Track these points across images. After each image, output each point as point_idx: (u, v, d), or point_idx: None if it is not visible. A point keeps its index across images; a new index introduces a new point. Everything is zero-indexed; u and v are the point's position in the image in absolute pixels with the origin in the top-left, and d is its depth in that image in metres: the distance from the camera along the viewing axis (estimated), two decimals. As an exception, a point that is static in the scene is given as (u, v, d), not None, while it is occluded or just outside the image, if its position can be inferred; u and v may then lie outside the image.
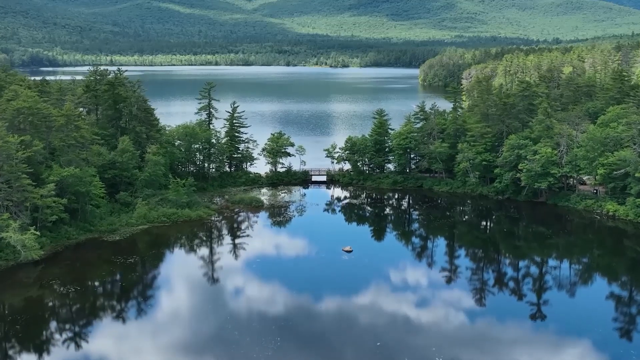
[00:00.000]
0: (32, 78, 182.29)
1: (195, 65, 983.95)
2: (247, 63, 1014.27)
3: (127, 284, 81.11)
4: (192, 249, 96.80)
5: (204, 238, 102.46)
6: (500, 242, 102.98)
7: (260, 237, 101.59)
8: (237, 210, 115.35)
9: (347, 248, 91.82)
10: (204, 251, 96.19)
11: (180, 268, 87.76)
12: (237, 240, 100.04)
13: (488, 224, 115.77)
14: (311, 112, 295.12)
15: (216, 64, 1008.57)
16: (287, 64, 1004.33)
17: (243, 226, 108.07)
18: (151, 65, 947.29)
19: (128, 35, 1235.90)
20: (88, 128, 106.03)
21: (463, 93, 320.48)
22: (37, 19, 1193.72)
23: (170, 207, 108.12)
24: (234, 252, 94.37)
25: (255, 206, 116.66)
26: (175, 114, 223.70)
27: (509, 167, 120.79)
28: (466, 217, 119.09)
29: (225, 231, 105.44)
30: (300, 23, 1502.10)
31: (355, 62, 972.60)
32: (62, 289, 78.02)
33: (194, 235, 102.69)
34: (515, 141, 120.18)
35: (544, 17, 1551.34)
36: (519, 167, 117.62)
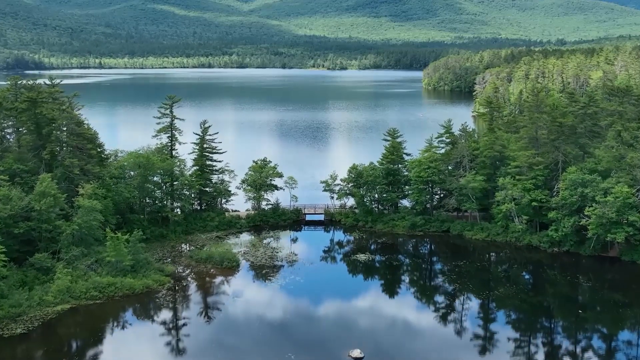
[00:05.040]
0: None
1: (187, 67, 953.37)
2: (241, 65, 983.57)
3: None
4: (124, 350, 65.38)
5: (145, 329, 70.45)
6: (555, 309, 77.38)
7: (228, 325, 70.47)
8: (202, 273, 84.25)
9: (356, 354, 60.99)
10: (142, 354, 64.77)
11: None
12: (192, 334, 68.60)
13: (539, 284, 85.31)
14: (307, 122, 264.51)
15: (209, 66, 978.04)
16: (283, 66, 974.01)
17: (206, 304, 76.36)
18: (142, 68, 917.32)
19: (120, 37, 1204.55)
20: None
21: (477, 100, 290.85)
22: (27, 20, 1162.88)
23: (107, 274, 77.40)
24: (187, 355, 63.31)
25: (228, 267, 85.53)
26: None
27: (568, 210, 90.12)
28: (510, 274, 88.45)
29: (178, 315, 73.69)
30: (298, 24, 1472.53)
31: (354, 64, 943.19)
32: None
33: (132, 323, 71.35)
34: (578, 176, 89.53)
35: (545, 17, 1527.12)
36: (585, 213, 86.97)
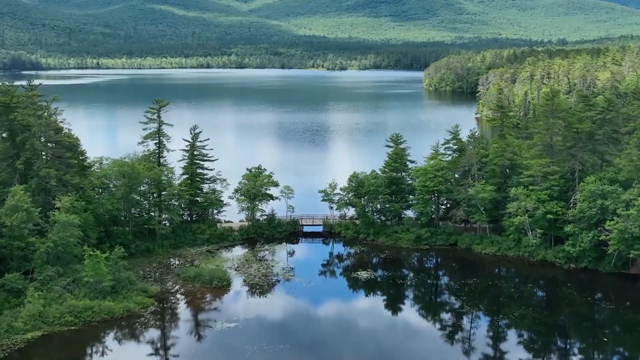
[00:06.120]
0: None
1: (186, 68, 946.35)
2: (240, 66, 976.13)
3: None
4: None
5: (125, 359, 63.68)
6: (571, 330, 71.89)
7: (216, 354, 63.56)
8: (189, 293, 77.34)
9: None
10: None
11: None
12: (178, 364, 62.05)
13: (554, 303, 78.60)
14: (306, 124, 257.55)
15: (208, 66, 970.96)
16: (282, 67, 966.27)
17: (191, 330, 69.26)
18: (140, 68, 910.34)
19: (119, 37, 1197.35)
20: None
21: (480, 102, 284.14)
22: (25, 21, 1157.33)
23: (85, 296, 70.70)
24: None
25: (218, 287, 78.66)
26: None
27: (587, 223, 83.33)
28: (522, 292, 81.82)
29: (160, 341, 66.63)
30: (297, 24, 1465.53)
31: (354, 64, 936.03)
32: None
33: (112, 350, 64.38)
34: (597, 187, 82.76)
35: (545, 17, 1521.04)
36: (606, 227, 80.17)
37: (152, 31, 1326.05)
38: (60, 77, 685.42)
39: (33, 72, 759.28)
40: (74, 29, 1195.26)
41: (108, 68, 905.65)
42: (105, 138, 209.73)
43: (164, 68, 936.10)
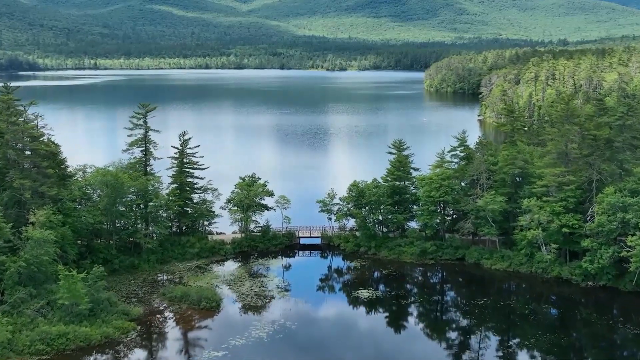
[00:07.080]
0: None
1: (184, 68, 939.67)
2: (239, 66, 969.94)
3: None
4: None
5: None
6: (589, 353, 67.61)
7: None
8: (175, 316, 71.06)
9: None
10: None
11: None
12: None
13: (570, 324, 73.43)
14: (305, 126, 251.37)
15: (207, 67, 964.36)
16: (282, 67, 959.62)
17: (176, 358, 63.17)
18: (138, 69, 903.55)
19: (117, 38, 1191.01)
20: None
21: (483, 103, 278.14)
22: (23, 21, 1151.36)
23: (59, 320, 64.48)
24: None
25: (207, 308, 72.40)
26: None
27: (606, 238, 77.17)
28: (535, 311, 75.69)
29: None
30: (297, 25, 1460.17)
31: (354, 65, 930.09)
32: None
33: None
34: (617, 198, 76.59)
35: (545, 17, 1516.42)
36: (628, 243, 74.02)
37: (151, 31, 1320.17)
38: (58, 77, 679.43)
39: (30, 73, 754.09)
40: (72, 30, 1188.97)
41: (106, 69, 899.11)
42: (100, 141, 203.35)
43: (162, 69, 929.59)
